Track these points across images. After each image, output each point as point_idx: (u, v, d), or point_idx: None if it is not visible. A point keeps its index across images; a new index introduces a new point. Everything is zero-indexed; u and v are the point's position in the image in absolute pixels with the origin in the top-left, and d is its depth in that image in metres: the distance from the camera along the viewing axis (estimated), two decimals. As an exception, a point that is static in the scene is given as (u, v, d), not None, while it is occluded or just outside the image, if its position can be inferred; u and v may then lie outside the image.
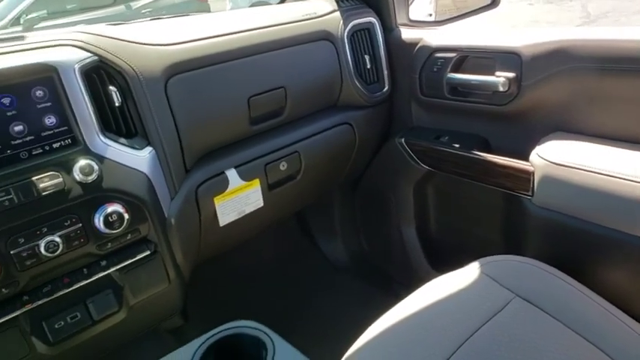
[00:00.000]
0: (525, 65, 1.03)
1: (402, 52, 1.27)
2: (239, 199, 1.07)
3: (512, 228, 1.17)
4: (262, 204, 1.12)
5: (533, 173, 1.02)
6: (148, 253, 0.87)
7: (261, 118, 1.09)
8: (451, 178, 1.22)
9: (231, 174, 1.04)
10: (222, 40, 1.01)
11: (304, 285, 1.65)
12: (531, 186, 1.03)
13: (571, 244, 1.00)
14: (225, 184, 1.03)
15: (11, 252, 0.73)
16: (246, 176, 1.06)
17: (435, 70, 1.18)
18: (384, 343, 0.81)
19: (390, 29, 1.29)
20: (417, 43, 1.23)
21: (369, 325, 0.85)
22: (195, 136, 0.96)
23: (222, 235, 1.09)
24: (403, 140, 1.27)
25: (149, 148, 0.88)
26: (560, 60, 1.00)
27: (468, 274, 0.92)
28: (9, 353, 0.76)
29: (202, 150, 1.00)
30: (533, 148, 1.04)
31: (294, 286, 1.64)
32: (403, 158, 1.29)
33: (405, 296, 0.90)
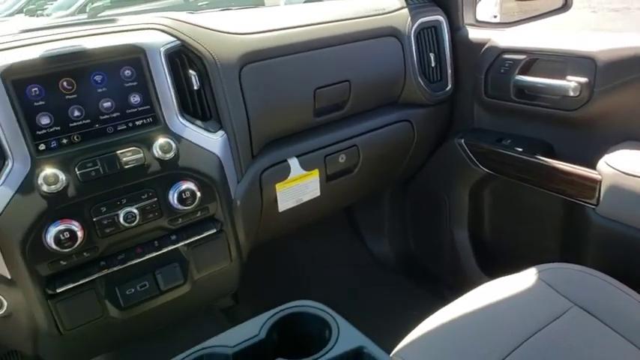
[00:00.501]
0: (600, 71, 1.00)
1: (467, 52, 1.26)
2: (298, 187, 1.10)
3: (571, 236, 1.15)
4: (319, 194, 1.14)
5: (600, 182, 0.99)
6: (214, 231, 0.91)
7: (325, 110, 1.11)
8: (510, 182, 1.20)
9: (293, 163, 1.07)
10: (294, 32, 1.04)
11: (349, 280, 1.66)
12: (597, 195, 1.00)
13: (633, 255, 0.97)
14: (286, 171, 1.06)
15: (94, 219, 0.78)
16: (306, 166, 1.09)
17: (502, 71, 1.17)
18: (437, 340, 0.82)
19: (457, 28, 1.28)
20: (484, 44, 1.22)
21: (415, 323, 0.85)
22: (263, 123, 1.00)
23: (280, 220, 1.12)
24: (463, 141, 1.26)
25: (221, 132, 0.91)
26: (636, 67, 0.97)
27: (524, 279, 0.91)
28: (86, 313, 0.82)
29: (268, 137, 1.04)
30: (600, 156, 1.02)
31: (339, 280, 1.65)
32: (461, 159, 1.28)
33: (452, 299, 0.90)
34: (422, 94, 1.24)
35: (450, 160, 1.32)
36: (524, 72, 1.15)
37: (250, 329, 0.64)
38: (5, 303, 0.78)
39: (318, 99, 1.07)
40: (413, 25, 1.20)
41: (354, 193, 1.35)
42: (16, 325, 0.81)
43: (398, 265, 1.68)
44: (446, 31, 1.26)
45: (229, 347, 0.62)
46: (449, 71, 1.27)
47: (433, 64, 1.25)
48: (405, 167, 1.36)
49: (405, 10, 1.21)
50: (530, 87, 1.14)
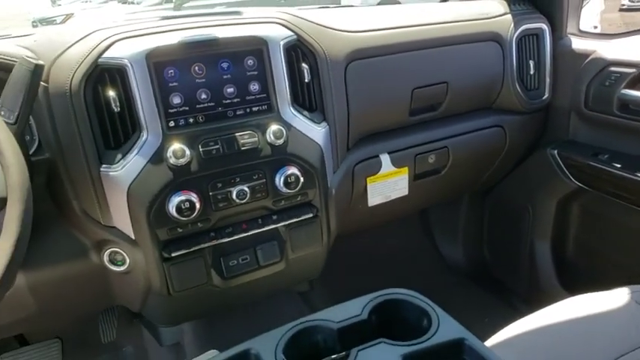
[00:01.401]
0: None
1: (569, 62, 1.23)
2: (388, 183, 1.13)
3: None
4: (407, 192, 1.16)
5: None
6: (311, 215, 0.96)
7: (420, 110, 1.13)
8: (603, 198, 1.17)
9: (385, 159, 1.10)
10: (398, 32, 1.07)
11: (418, 280, 1.67)
12: None
13: None
14: (378, 167, 1.10)
15: (210, 193, 0.86)
16: (397, 163, 1.12)
17: (606, 84, 1.14)
18: (517, 349, 0.82)
19: (559, 37, 1.26)
20: (587, 55, 1.19)
21: (484, 332, 0.85)
22: (361, 118, 1.04)
23: (365, 214, 1.16)
24: (556, 152, 1.24)
25: (324, 124, 0.96)
26: None
27: (613, 298, 0.89)
28: (193, 278, 0.90)
29: (364, 132, 1.08)
30: None
31: (408, 279, 1.67)
32: (552, 170, 1.25)
33: (527, 311, 0.89)
34: (518, 101, 1.23)
35: (540, 170, 1.30)
36: (631, 86, 1.11)
37: (352, 309, 0.68)
38: (128, 260, 0.87)
39: (415, 99, 1.10)
40: (515, 32, 1.19)
41: (438, 195, 1.36)
42: (132, 281, 0.91)
43: (469, 272, 1.67)
44: (548, 39, 1.24)
45: (334, 322, 0.66)
46: (547, 80, 1.25)
47: (532, 72, 1.23)
48: (491, 173, 1.35)
49: (509, 16, 1.21)
50: (636, 102, 1.10)
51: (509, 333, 0.85)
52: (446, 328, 0.64)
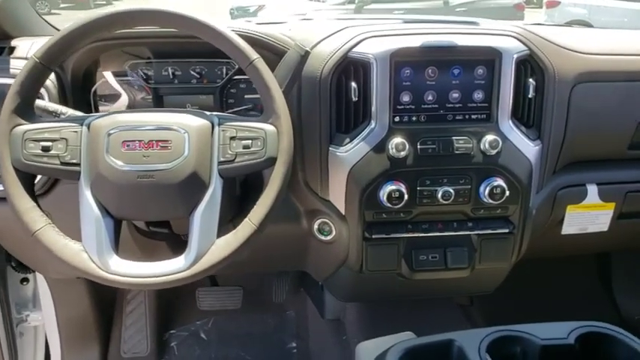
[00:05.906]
0: None
1: None
2: (589, 215, 1.07)
3: None
4: (606, 229, 1.09)
5: None
6: (506, 231, 0.96)
7: None
8: None
9: (592, 189, 1.04)
10: (636, 59, 1.00)
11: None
12: None
13: None
14: (582, 196, 1.04)
15: (418, 188, 0.91)
16: (604, 196, 1.05)
17: None
18: None
19: None
20: None
21: None
22: (576, 143, 1.00)
23: (554, 241, 1.11)
24: None
25: (538, 141, 0.95)
26: None
27: None
28: (385, 263, 0.97)
29: (574, 157, 1.03)
30: None
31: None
32: None
33: None
34: None
35: None
36: None
37: (558, 330, 0.68)
38: (334, 232, 0.97)
39: (638, 131, 1.02)
40: None
41: (638, 240, 1.24)
42: (331, 252, 1.01)
43: None
44: None
45: (539, 339, 0.67)
46: None
47: None
48: None
49: None
50: None
51: None
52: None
